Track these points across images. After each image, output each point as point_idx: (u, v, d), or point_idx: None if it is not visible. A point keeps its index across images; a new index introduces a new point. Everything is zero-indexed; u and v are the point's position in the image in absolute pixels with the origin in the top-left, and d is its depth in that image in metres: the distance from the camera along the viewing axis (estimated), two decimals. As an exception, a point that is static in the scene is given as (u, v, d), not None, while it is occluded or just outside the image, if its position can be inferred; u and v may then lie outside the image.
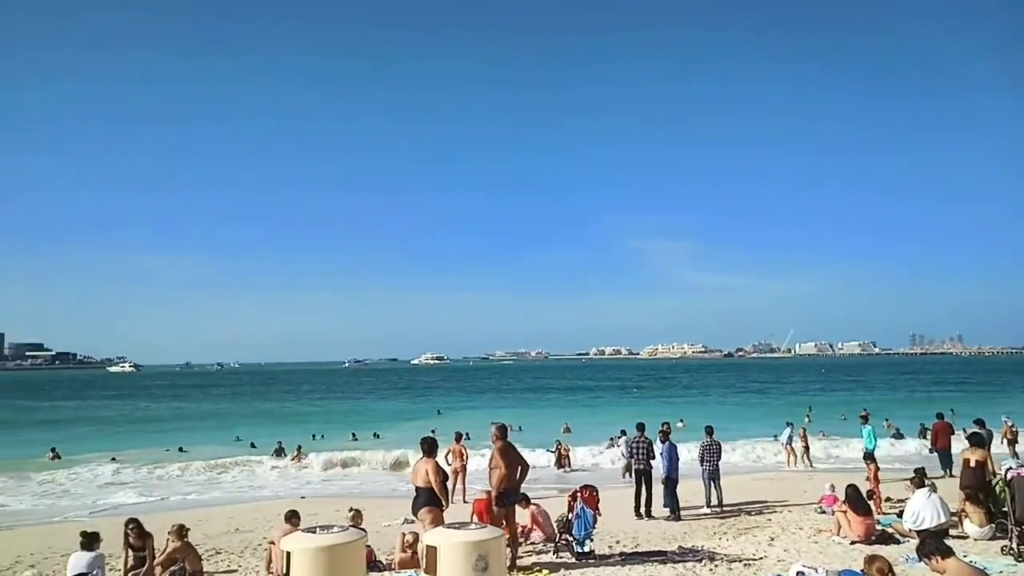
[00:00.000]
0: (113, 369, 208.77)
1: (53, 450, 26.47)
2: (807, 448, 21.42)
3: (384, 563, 9.00)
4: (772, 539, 10.27)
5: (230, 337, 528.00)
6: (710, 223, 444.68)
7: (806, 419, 30.95)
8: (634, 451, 13.40)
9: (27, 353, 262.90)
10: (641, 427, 13.77)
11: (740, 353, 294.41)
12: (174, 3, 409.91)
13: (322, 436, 31.69)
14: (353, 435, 31.00)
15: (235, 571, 9.64)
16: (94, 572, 7.72)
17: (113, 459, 24.71)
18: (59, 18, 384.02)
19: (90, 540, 8.20)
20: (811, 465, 20.74)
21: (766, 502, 14.19)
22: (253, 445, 28.02)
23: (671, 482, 12.90)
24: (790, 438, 21.22)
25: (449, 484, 9.75)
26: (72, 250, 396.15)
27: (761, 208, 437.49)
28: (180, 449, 27.16)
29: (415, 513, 8.12)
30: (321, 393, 77.93)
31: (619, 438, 21.59)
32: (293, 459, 23.83)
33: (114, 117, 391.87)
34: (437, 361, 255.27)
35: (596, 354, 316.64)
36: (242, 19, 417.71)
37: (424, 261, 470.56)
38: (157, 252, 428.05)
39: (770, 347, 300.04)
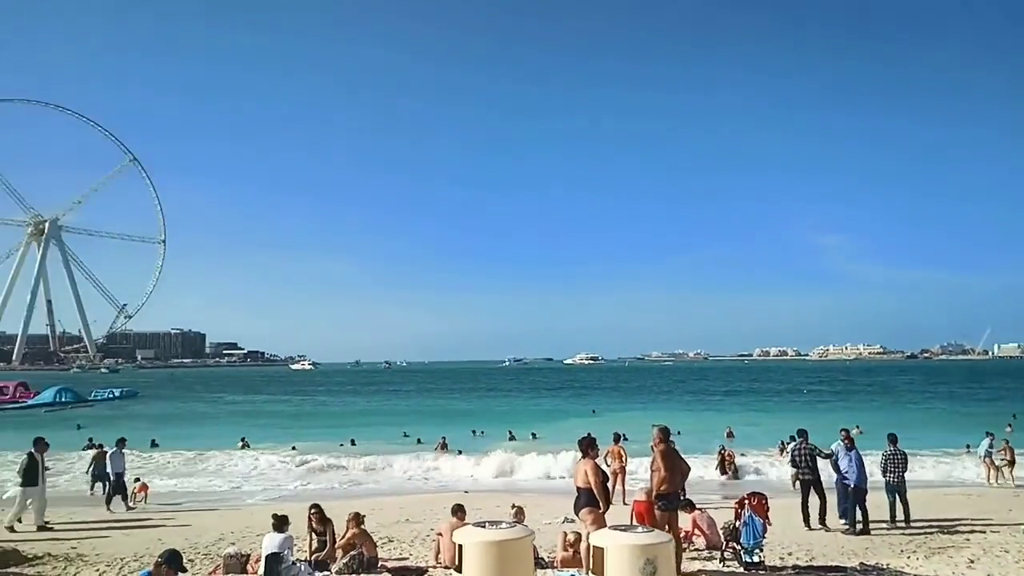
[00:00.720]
0: (295, 366, 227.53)
1: (243, 439, 29.33)
2: (1012, 462, 18.99)
3: (546, 561, 9.06)
4: (972, 561, 9.18)
5: (397, 337, 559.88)
6: (886, 211, 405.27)
7: (1008, 429, 27.53)
8: (797, 460, 12.60)
9: (224, 351, 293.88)
10: (803, 434, 12.89)
11: (925, 354, 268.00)
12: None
13: (482, 433, 32.68)
14: (510, 433, 31.66)
15: (406, 559, 10.09)
16: (285, 552, 8.41)
17: (293, 448, 26.87)
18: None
19: (280, 522, 8.94)
20: (1012, 482, 18.37)
21: (962, 520, 12.73)
22: (419, 441, 29.35)
23: (860, 493, 11.93)
24: (989, 450, 18.95)
25: (608, 485, 9.64)
26: (263, 259, 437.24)
27: (949, 191, 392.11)
28: (352, 442, 29.02)
29: (576, 513, 8.09)
30: (481, 391, 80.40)
31: (788, 444, 20.39)
32: (438, 450, 25.46)
33: (304, 136, 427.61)
34: (591, 361, 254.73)
35: (760, 355, 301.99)
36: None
37: (575, 260, 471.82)
38: (334, 258, 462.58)
39: (962, 348, 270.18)
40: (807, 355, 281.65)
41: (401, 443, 29.68)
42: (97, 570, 9.68)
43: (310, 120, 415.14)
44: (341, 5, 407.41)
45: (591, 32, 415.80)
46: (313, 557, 9.27)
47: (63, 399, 59.64)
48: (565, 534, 9.16)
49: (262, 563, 8.61)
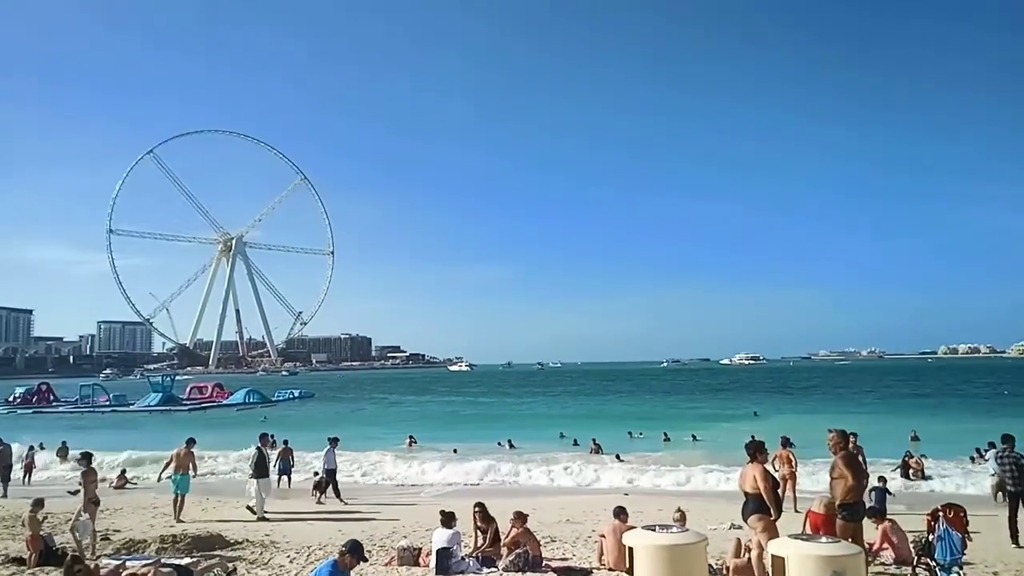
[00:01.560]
0: (453, 368, 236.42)
1: (411, 437, 30.79)
2: None
3: (714, 567, 8.70)
4: None
5: (548, 339, 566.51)
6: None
7: None
8: (1003, 469, 11.21)
9: (388, 354, 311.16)
10: (1008, 440, 11.41)
11: None
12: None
13: (640, 434, 32.17)
14: (666, 436, 30.91)
15: (568, 559, 10.10)
16: (454, 547, 8.71)
17: (455, 451, 27.76)
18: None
19: (448, 518, 9.28)
20: None
21: None
22: (576, 443, 29.38)
23: None
24: None
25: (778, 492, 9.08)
26: (421, 266, 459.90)
27: None
28: (509, 443, 29.56)
29: (745, 519, 7.70)
30: (637, 393, 79.10)
31: (987, 451, 18.28)
32: (592, 452, 25.54)
33: (445, 157, 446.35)
34: (752, 361, 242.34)
35: (946, 352, 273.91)
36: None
37: (733, 257, 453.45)
38: (486, 264, 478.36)
39: None
40: (1005, 352, 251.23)
41: (558, 444, 29.89)
42: (288, 556, 10.51)
43: (453, 136, 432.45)
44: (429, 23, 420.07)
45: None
46: (480, 553, 9.52)
47: (251, 399, 65.97)
48: (739, 540, 8.74)
49: (433, 556, 8.98)
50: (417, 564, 9.47)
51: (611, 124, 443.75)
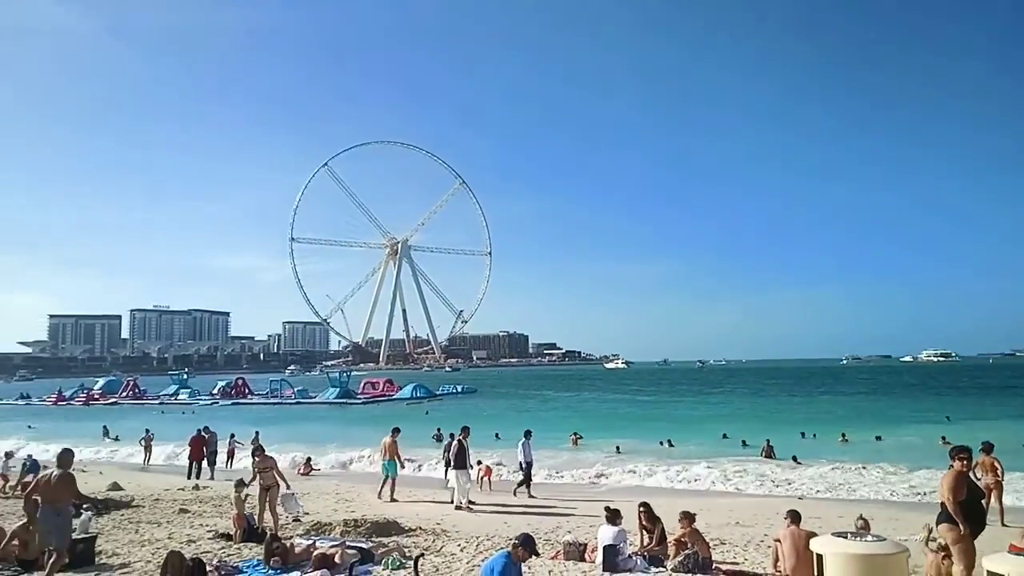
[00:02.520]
0: (609, 365, 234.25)
1: (575, 434, 30.80)
2: None
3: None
4: None
5: (706, 336, 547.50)
6: None
7: None
8: None
9: (545, 351, 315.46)
10: None
11: None
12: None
13: (813, 436, 30.17)
14: (843, 436, 28.75)
15: (739, 563, 9.66)
16: (620, 545, 8.63)
17: (617, 449, 27.40)
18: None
19: (614, 515, 9.20)
20: None
21: None
22: (745, 443, 28.05)
23: None
24: None
25: (983, 503, 8.07)
26: (574, 264, 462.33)
27: None
28: (669, 443, 28.78)
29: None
30: (807, 391, 74.02)
31: None
32: (763, 455, 24.29)
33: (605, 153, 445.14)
34: (943, 359, 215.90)
35: None
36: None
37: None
38: (642, 261, 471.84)
39: None
40: None
41: (721, 445, 28.70)
42: (459, 544, 10.90)
43: (613, 137, 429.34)
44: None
45: None
46: (646, 551, 9.36)
47: (418, 394, 69.55)
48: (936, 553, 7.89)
49: (599, 553, 8.93)
50: (583, 559, 9.47)
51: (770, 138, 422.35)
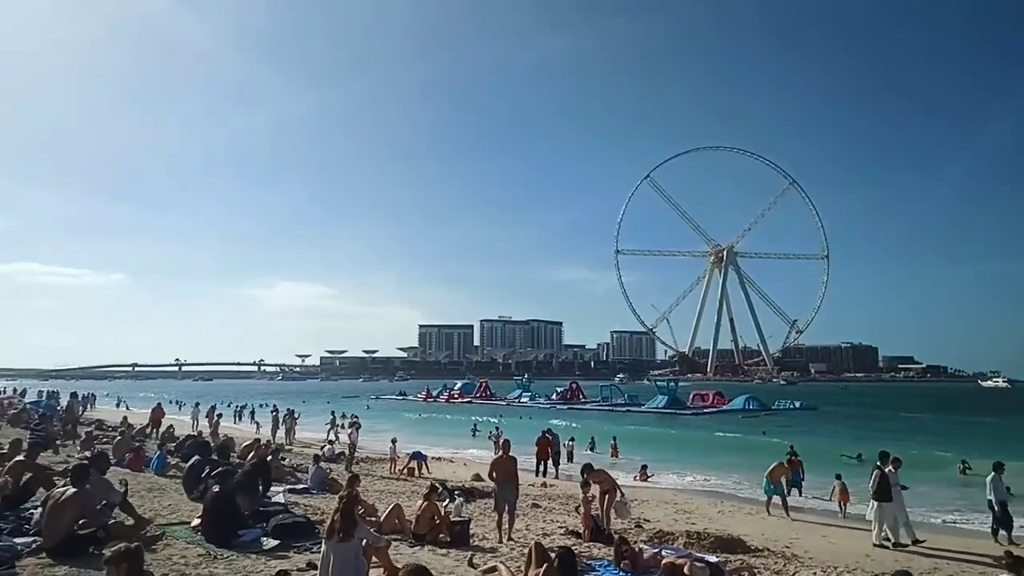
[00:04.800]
0: (985, 384, 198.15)
1: (963, 463, 26.02)
2: None
3: None
4: None
5: None
6: None
7: None
8: None
9: (899, 366, 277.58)
10: None
11: None
12: None
13: None
14: None
15: None
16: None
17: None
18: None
19: (1016, 565, 7.58)
20: None
21: None
22: None
23: None
24: None
25: None
26: (940, 267, 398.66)
27: None
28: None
29: None
30: None
31: None
32: None
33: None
34: None
35: None
36: None
37: None
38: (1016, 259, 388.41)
39: None
40: None
41: None
42: (812, 572, 10.01)
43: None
44: None
45: None
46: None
47: (751, 407, 66.29)
48: None
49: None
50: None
51: None
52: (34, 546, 7.45)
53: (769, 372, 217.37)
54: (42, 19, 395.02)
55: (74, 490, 7.77)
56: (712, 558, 9.62)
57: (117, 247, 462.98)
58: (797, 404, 73.47)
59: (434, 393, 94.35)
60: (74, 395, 37.99)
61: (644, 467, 24.47)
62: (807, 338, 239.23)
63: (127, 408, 53.28)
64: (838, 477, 17.75)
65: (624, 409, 68.52)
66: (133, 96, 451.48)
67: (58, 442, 19.59)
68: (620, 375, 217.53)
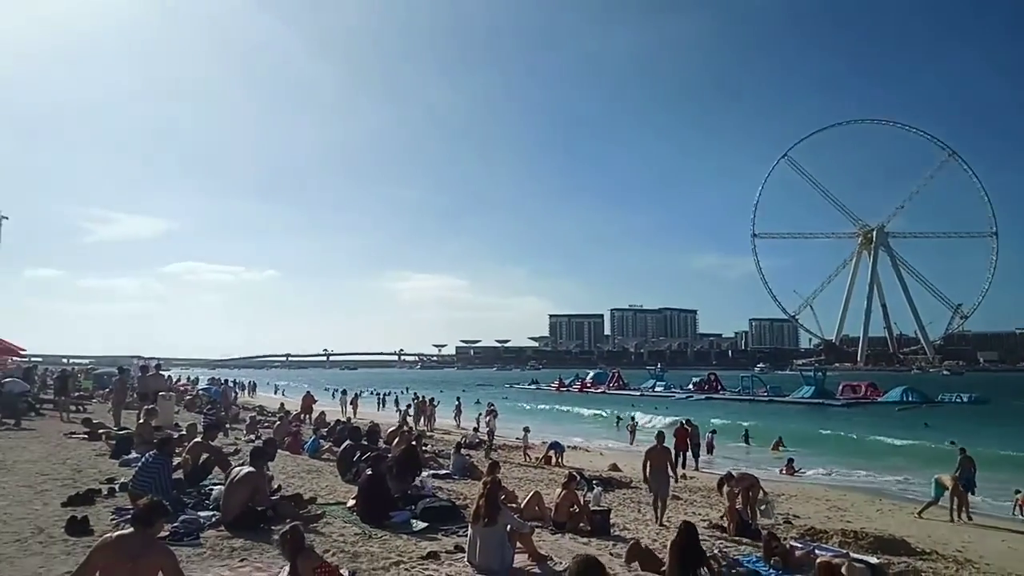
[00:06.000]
0: None
1: None
2: None
3: None
4: None
5: None
6: None
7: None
8: None
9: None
10: None
11: None
12: None
13: None
14: None
15: None
16: None
17: None
18: None
19: None
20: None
21: None
22: None
23: None
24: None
25: None
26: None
27: None
28: None
29: None
30: None
31: None
32: None
33: None
34: None
35: None
36: None
37: None
38: None
39: None
40: None
41: None
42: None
43: None
44: None
45: None
46: None
47: (910, 398, 61.30)
48: None
49: None
50: None
51: None
52: (214, 519, 8.20)
53: (929, 361, 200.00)
54: (201, 39, 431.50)
55: (247, 470, 8.52)
56: (872, 559, 9.01)
57: (269, 244, 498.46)
58: (965, 397, 65.91)
59: (566, 382, 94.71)
60: (225, 382, 42.07)
61: (790, 460, 23.36)
62: (973, 324, 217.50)
63: (283, 395, 57.46)
64: (1017, 492, 16.14)
65: (767, 399, 65.58)
66: (274, 98, 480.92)
67: (227, 425, 21.46)
68: (760, 364, 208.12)
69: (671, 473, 12.10)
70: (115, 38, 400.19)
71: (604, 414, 43.43)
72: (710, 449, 26.04)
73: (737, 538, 10.65)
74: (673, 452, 23.04)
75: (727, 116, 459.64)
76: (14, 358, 36.37)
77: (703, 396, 71.73)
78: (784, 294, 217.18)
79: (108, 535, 5.02)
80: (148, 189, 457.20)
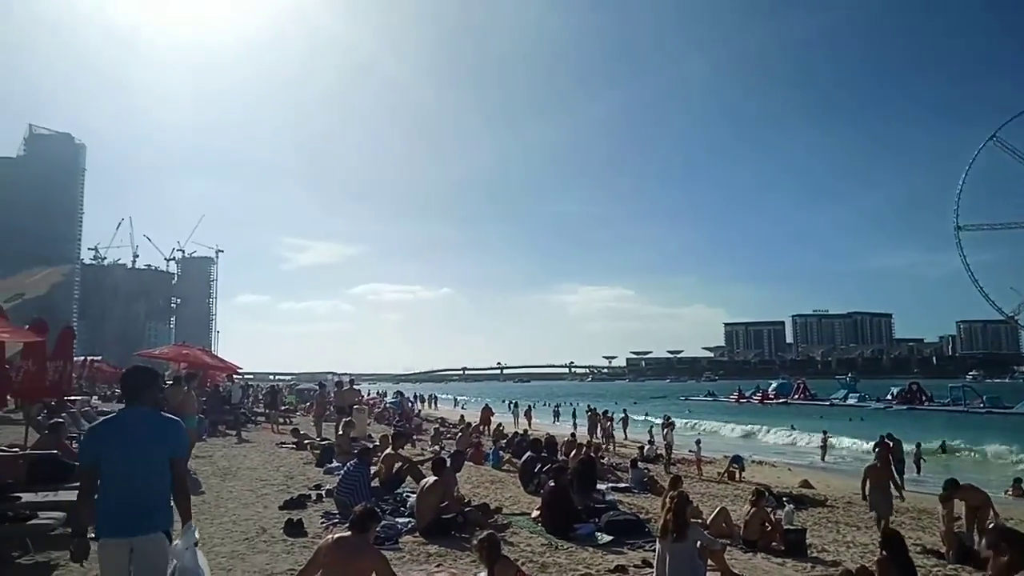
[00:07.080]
0: None
1: None
2: None
3: None
4: None
5: None
6: None
7: None
8: None
9: None
10: None
11: None
12: None
13: None
14: None
15: None
16: None
17: None
18: None
19: None
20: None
21: None
22: None
23: None
24: None
25: None
26: None
27: None
28: None
29: None
30: None
31: None
32: None
33: None
34: None
35: None
36: None
37: None
38: None
39: None
40: None
41: None
42: None
43: None
44: None
45: None
46: None
47: None
48: None
49: None
50: None
51: None
52: (410, 526, 8.73)
53: None
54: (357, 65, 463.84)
55: (435, 479, 9.02)
56: None
57: (443, 264, 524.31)
58: None
59: (747, 394, 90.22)
60: (402, 394, 45.43)
61: (1017, 480, 20.55)
62: None
63: (463, 408, 59.93)
64: None
65: (984, 411, 58.24)
66: (440, 122, 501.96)
67: (415, 436, 22.79)
68: (973, 372, 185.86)
69: (894, 491, 11.36)
70: (281, 91, 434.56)
71: (792, 428, 40.69)
72: (917, 467, 23.61)
73: (957, 566, 9.57)
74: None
75: (919, 101, 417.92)
76: (235, 376, 41.10)
77: (905, 407, 65.24)
78: (1000, 292, 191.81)
79: (329, 536, 5.56)
80: (331, 217, 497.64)
